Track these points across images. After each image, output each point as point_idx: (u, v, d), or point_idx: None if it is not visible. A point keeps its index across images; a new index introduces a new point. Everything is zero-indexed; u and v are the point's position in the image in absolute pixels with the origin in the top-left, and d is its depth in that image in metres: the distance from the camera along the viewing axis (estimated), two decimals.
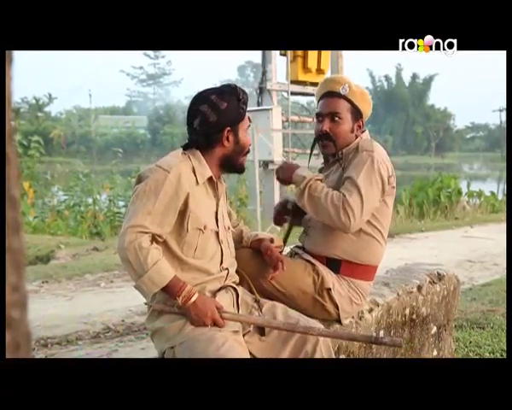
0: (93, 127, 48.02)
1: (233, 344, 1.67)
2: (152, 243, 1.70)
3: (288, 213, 2.37)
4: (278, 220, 2.43)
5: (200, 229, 1.79)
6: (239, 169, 1.93)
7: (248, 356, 1.72)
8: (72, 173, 12.09)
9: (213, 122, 1.79)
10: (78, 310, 3.82)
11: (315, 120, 2.28)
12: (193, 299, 1.71)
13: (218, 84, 1.90)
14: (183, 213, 1.76)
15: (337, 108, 2.15)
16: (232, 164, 1.88)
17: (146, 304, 1.85)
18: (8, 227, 0.54)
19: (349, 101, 2.15)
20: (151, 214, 1.69)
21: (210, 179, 1.84)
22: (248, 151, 1.93)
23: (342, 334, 1.98)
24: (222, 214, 1.91)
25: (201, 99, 1.81)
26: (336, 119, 2.15)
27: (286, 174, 2.16)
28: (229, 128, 1.81)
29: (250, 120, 1.93)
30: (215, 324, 1.72)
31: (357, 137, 2.20)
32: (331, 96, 2.17)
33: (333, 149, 2.17)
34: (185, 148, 1.86)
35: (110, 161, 16.43)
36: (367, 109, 2.23)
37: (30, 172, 10.13)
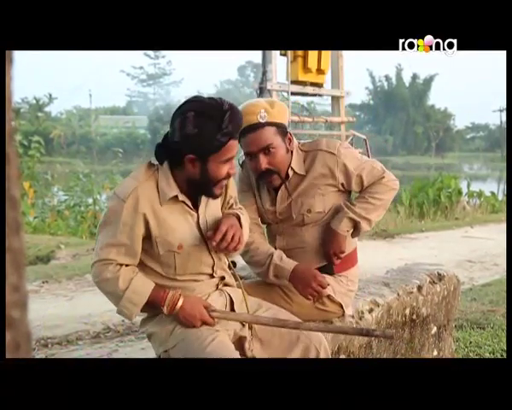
0: (93, 127, 48.00)
1: (220, 341, 1.65)
2: (121, 266, 1.65)
3: None
4: None
5: (173, 251, 1.68)
6: (211, 196, 1.71)
7: (236, 352, 1.68)
8: (73, 173, 12.11)
9: (175, 143, 1.59)
10: (79, 310, 3.82)
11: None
12: (179, 304, 1.66)
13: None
14: (149, 239, 1.67)
15: (267, 140, 1.96)
16: (201, 191, 1.69)
17: None
18: (9, 227, 0.54)
19: (271, 124, 1.96)
20: (115, 246, 1.63)
21: (176, 197, 1.67)
22: (224, 179, 1.67)
23: (333, 328, 2.00)
24: (213, 219, 1.75)
25: (183, 108, 1.59)
26: (270, 150, 1.97)
27: (337, 239, 2.08)
28: (191, 156, 1.59)
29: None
30: (205, 323, 1.69)
31: (290, 151, 2.07)
32: (253, 131, 1.94)
33: (278, 180, 2.06)
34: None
35: (110, 161, 16.44)
36: (287, 118, 2.07)
37: (30, 173, 10.15)
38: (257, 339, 1.82)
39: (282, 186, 2.10)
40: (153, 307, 1.71)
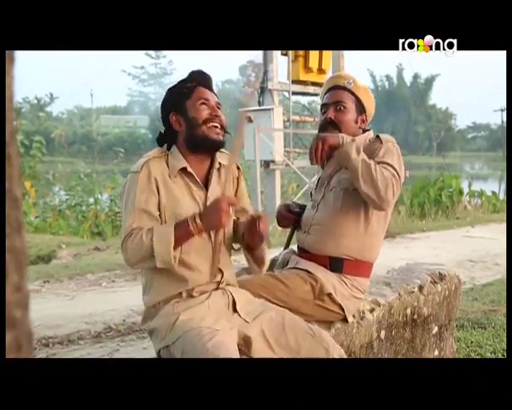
0: (94, 127, 48.07)
1: (220, 339, 1.64)
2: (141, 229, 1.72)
3: (292, 215, 2.36)
4: (283, 222, 2.40)
5: None
6: (207, 142, 1.81)
7: (237, 351, 1.67)
8: (74, 173, 12.13)
9: (163, 117, 1.87)
10: (80, 310, 3.82)
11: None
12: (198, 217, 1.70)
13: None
14: (158, 208, 1.78)
15: (341, 98, 2.21)
16: (196, 140, 1.81)
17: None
18: (10, 227, 0.54)
19: (353, 94, 2.22)
20: (135, 216, 1.74)
21: (185, 170, 1.81)
22: (210, 120, 1.81)
23: None
24: None
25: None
26: (341, 107, 2.20)
27: (330, 137, 2.06)
28: (173, 112, 1.83)
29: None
30: (231, 204, 1.71)
31: (362, 130, 2.23)
32: (335, 89, 2.24)
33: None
34: (166, 146, 1.88)
35: (111, 160, 16.43)
36: (370, 106, 2.28)
37: (31, 172, 10.18)
38: (264, 339, 1.78)
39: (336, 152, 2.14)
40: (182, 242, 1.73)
